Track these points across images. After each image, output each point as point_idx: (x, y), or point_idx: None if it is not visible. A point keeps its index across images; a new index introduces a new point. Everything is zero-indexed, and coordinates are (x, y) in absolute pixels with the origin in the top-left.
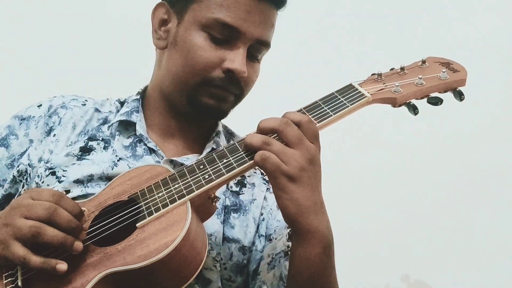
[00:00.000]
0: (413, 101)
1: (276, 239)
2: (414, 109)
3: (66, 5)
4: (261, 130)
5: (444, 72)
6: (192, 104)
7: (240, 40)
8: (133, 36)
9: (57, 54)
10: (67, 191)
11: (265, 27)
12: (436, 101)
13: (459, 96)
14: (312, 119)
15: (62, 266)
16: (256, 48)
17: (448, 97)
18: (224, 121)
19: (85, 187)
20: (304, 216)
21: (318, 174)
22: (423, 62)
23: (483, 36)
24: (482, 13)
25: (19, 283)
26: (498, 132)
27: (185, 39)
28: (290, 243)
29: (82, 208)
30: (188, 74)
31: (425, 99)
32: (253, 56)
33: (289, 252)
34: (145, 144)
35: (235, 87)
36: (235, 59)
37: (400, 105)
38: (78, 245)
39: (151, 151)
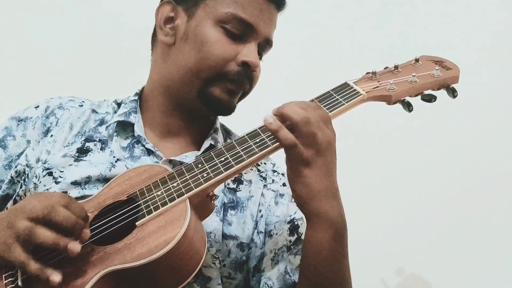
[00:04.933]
0: (408, 99)
1: (276, 234)
2: (408, 106)
3: (63, 5)
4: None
5: (437, 69)
6: (202, 98)
7: (253, 37)
8: (131, 37)
9: (54, 55)
10: (64, 193)
11: (272, 26)
12: (430, 98)
13: (453, 93)
14: (321, 105)
15: (56, 277)
16: (262, 47)
17: (444, 96)
18: (221, 120)
19: (82, 188)
20: (314, 200)
21: (333, 160)
22: (417, 60)
23: (482, 35)
24: (481, 11)
25: (19, 283)
26: (498, 133)
27: (198, 34)
28: (292, 238)
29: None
30: (203, 67)
31: (419, 97)
32: (259, 54)
33: (291, 247)
34: (143, 145)
35: (247, 81)
36: (249, 53)
37: (394, 103)
38: (74, 246)
39: (149, 152)
